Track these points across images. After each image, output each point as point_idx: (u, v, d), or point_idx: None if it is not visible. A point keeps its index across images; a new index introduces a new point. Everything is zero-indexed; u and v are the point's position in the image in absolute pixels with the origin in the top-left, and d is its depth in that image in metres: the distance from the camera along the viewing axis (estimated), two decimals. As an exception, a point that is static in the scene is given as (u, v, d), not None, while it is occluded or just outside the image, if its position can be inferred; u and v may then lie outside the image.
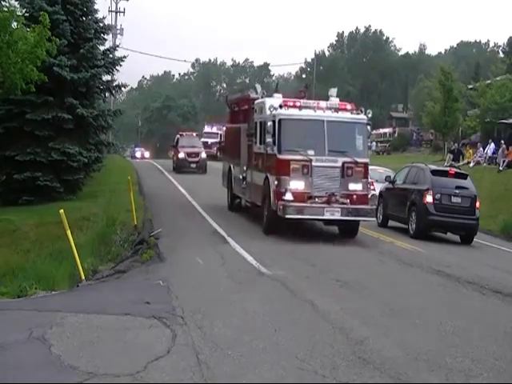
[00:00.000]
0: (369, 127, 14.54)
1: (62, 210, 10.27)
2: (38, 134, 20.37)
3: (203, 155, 31.97)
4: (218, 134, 42.49)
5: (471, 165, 31.39)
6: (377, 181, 18.67)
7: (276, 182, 13.48)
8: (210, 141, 41.02)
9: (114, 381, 5.31)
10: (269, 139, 13.73)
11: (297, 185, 13.36)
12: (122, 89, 26.80)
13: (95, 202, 17.82)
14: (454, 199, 16.07)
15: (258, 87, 16.66)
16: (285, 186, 13.25)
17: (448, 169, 18.41)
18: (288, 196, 13.09)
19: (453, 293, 9.74)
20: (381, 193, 17.87)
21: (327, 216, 13.47)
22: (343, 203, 13.45)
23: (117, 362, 5.77)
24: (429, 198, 15.93)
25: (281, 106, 13.81)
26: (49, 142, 20.41)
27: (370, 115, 14.60)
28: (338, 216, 13.42)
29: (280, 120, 13.67)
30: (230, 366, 5.80)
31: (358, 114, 14.23)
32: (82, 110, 20.94)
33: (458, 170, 18.85)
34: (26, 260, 13.73)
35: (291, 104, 14.06)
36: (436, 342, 6.90)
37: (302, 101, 14.45)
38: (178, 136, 34.36)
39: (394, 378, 5.70)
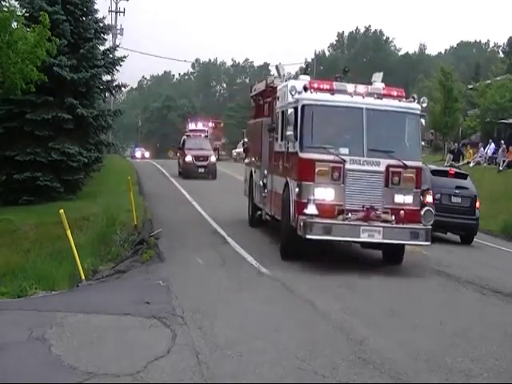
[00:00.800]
0: (423, 120, 11.27)
1: (61, 210, 10.28)
2: (38, 134, 20.37)
3: (212, 159, 28.99)
4: (204, 130, 38.69)
5: (471, 165, 31.38)
6: None
7: (297, 190, 10.58)
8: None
9: (114, 381, 5.31)
10: (289, 132, 10.83)
11: (324, 194, 10.38)
12: (122, 89, 26.93)
13: (95, 202, 17.83)
14: (454, 199, 16.08)
15: (281, 68, 13.08)
16: (307, 194, 10.28)
17: (448, 169, 18.41)
18: (311, 209, 10.11)
19: (453, 293, 9.74)
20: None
21: (364, 238, 10.36)
22: (386, 221, 10.40)
23: (117, 362, 5.77)
24: (429, 198, 15.88)
25: (305, 89, 10.81)
26: (49, 142, 20.42)
27: (424, 104, 11.36)
28: (378, 238, 10.36)
29: (304, 106, 10.70)
30: (230, 366, 5.80)
31: (409, 102, 11.20)
32: (82, 109, 20.95)
33: (458, 170, 18.86)
34: (26, 260, 13.74)
35: (320, 86, 11.00)
36: (436, 342, 6.90)
37: (335, 83, 11.28)
38: (185, 137, 31.57)
39: (394, 378, 5.70)
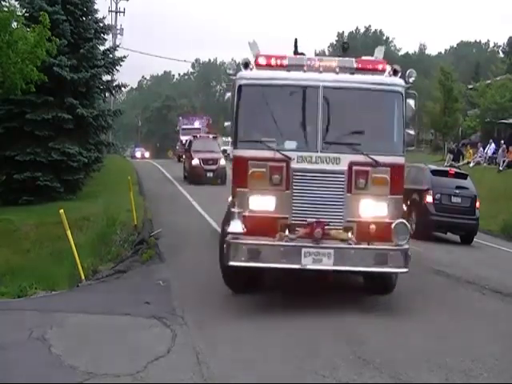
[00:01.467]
0: (412, 101, 8.20)
1: (61, 210, 10.28)
2: (38, 134, 20.39)
3: (222, 162, 26.03)
4: (199, 129, 36.88)
5: (471, 165, 31.41)
6: None
7: (230, 198, 8.37)
8: (189, 139, 30.11)
9: (114, 381, 5.32)
10: (227, 123, 8.67)
11: (260, 204, 7.81)
12: (122, 89, 27.02)
13: (95, 202, 17.83)
14: (454, 199, 16.10)
15: (254, 46, 8.62)
16: (236, 205, 7.80)
17: (448, 169, 18.44)
18: (234, 226, 7.51)
19: (453, 293, 9.74)
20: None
21: (308, 263, 7.54)
22: (341, 239, 7.65)
23: (117, 362, 5.78)
24: (429, 198, 15.93)
25: (246, 65, 8.08)
26: (49, 142, 20.43)
27: (412, 79, 8.14)
28: (327, 264, 7.56)
29: (240, 87, 8.09)
30: (230, 366, 5.80)
31: (389, 75, 8.09)
32: (82, 109, 20.97)
33: (458, 170, 18.89)
34: (26, 260, 13.75)
35: (268, 62, 8.13)
36: (436, 342, 6.90)
37: (288, 56, 8.37)
38: (192, 138, 28.88)
39: (394, 377, 5.70)
